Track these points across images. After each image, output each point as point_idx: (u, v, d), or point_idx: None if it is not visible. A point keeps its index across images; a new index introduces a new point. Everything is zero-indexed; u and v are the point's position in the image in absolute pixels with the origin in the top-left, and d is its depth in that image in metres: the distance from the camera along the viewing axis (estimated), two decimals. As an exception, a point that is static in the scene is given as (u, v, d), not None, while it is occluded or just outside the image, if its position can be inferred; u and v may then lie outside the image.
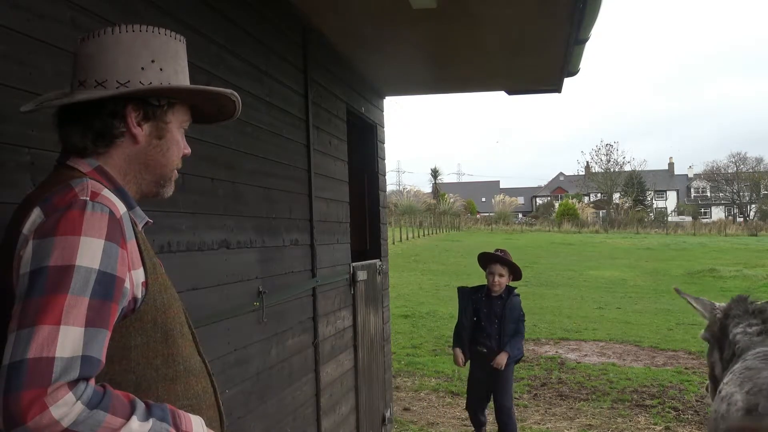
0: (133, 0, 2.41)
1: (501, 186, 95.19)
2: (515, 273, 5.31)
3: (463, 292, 5.52)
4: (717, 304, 3.62)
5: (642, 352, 10.31)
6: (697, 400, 7.11)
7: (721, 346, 3.45)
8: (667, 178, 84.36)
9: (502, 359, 5.15)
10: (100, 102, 1.44)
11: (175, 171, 1.58)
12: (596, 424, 6.44)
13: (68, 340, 1.19)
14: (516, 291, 5.35)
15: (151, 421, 1.27)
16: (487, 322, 5.26)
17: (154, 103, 1.49)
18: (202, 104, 1.62)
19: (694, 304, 3.68)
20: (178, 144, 1.55)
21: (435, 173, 79.03)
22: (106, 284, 1.27)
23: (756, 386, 2.87)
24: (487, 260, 5.36)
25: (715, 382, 3.32)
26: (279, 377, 3.62)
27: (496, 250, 5.38)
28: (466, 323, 5.36)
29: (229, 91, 1.58)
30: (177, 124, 1.55)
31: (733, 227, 52.84)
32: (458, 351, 5.39)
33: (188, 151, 1.60)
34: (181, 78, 1.53)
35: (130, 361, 1.37)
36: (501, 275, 5.24)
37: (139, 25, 1.49)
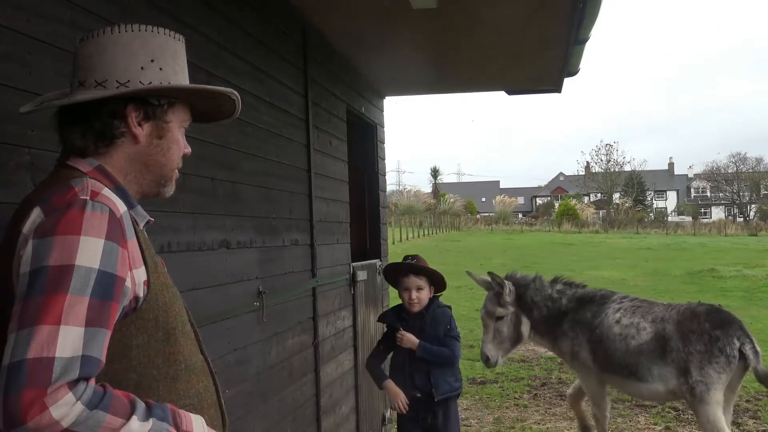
0: (133, 0, 2.41)
1: (501, 186, 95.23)
2: (437, 283, 4.01)
3: (384, 317, 4.24)
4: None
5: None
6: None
7: (528, 310, 4.99)
8: (667, 178, 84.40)
9: (410, 338, 3.90)
10: (100, 102, 1.44)
11: (176, 171, 1.58)
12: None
13: (68, 340, 1.19)
14: (441, 302, 4.08)
15: (151, 420, 1.27)
16: (410, 352, 3.90)
17: (154, 102, 1.49)
18: (202, 103, 1.61)
19: (480, 283, 5.15)
20: (178, 143, 1.55)
21: (435, 173, 79.09)
22: (106, 284, 1.27)
23: (657, 317, 4.68)
24: (396, 273, 4.04)
25: (519, 337, 5.04)
26: (279, 377, 3.62)
27: (407, 258, 4.06)
28: (379, 354, 4.11)
29: (228, 90, 1.58)
30: (177, 124, 1.55)
31: (733, 227, 52.89)
32: (393, 385, 3.94)
33: (188, 150, 1.60)
34: (181, 77, 1.53)
35: (131, 360, 1.37)
36: (419, 288, 3.91)
37: (138, 24, 1.49)
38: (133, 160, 1.49)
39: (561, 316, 4.94)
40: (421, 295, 3.93)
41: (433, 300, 4.00)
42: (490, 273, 5.04)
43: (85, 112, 1.45)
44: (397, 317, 4.01)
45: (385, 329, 4.12)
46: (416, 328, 3.92)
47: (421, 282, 3.93)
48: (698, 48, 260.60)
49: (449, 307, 4.09)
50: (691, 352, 4.50)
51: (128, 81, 1.44)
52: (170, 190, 1.59)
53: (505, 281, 4.95)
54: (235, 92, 1.59)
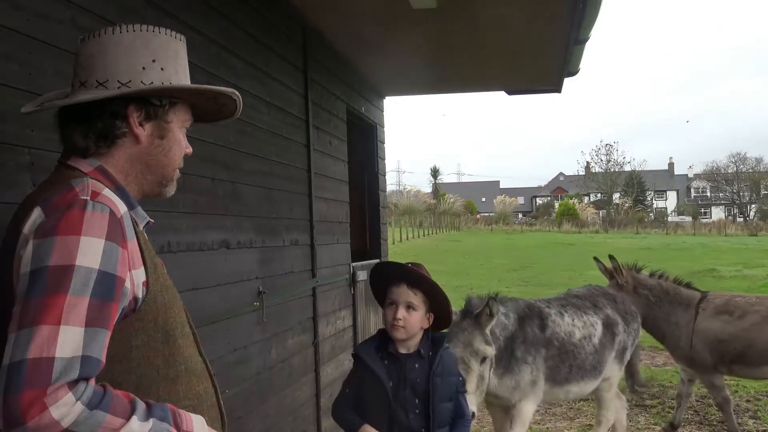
0: (134, 0, 2.41)
1: (501, 186, 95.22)
2: (439, 309, 2.69)
3: (360, 351, 2.73)
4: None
5: (642, 352, 10.31)
6: (697, 400, 7.10)
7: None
8: (667, 178, 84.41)
9: None
10: (101, 102, 1.44)
11: (177, 171, 1.58)
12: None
13: (68, 340, 1.19)
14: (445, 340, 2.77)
15: (151, 421, 1.27)
16: (400, 403, 2.60)
17: (155, 102, 1.48)
18: (203, 103, 1.61)
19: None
20: (179, 143, 1.55)
21: (435, 173, 79.11)
22: (107, 284, 1.27)
23: (591, 306, 4.61)
24: (387, 279, 2.72)
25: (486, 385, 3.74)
26: (279, 377, 3.62)
27: (412, 267, 2.71)
28: (348, 400, 2.70)
29: (230, 90, 1.57)
30: (178, 124, 1.54)
31: (733, 227, 52.87)
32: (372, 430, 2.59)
33: (190, 150, 1.60)
34: (182, 77, 1.53)
35: (131, 360, 1.37)
36: (411, 307, 2.62)
37: (140, 25, 1.49)
38: (134, 161, 1.49)
39: (512, 341, 4.08)
40: (411, 317, 2.60)
41: (435, 337, 2.72)
42: (487, 297, 3.65)
43: (86, 113, 1.45)
44: (378, 354, 2.67)
45: (356, 367, 2.75)
46: (410, 376, 2.61)
47: (416, 299, 2.62)
48: (698, 48, 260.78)
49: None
50: (629, 332, 4.72)
51: (129, 81, 1.44)
52: (171, 190, 1.59)
53: (497, 303, 3.61)
54: (236, 92, 1.59)
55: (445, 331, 2.85)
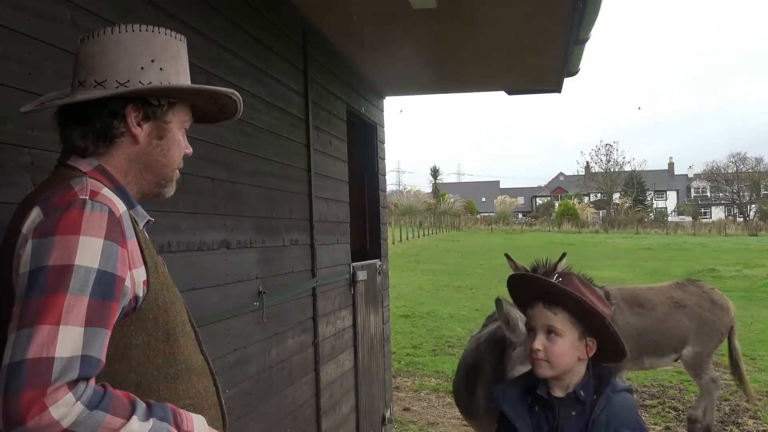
0: (134, 0, 2.41)
1: (501, 186, 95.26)
2: (598, 334, 2.05)
3: (501, 396, 2.19)
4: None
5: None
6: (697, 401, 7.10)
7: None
8: (667, 178, 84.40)
9: None
10: (100, 102, 1.44)
11: (177, 171, 1.57)
12: (596, 424, 6.43)
13: (68, 340, 1.19)
14: (617, 380, 2.13)
15: (151, 420, 1.27)
16: None
17: (153, 102, 1.48)
18: (204, 104, 1.61)
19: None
20: (179, 144, 1.54)
21: (435, 173, 79.08)
22: (106, 283, 1.27)
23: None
24: (523, 291, 2.18)
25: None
26: (279, 377, 3.62)
27: (558, 279, 2.09)
28: None
29: (229, 90, 1.57)
30: (178, 124, 1.54)
31: (733, 227, 52.85)
32: None
33: (190, 151, 1.59)
34: (182, 78, 1.52)
35: (131, 360, 1.37)
36: (552, 331, 2.03)
37: (139, 25, 1.49)
38: (133, 161, 1.49)
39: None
40: (554, 347, 2.01)
41: (600, 373, 2.08)
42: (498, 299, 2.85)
43: (85, 113, 1.45)
44: (524, 401, 2.11)
45: (501, 418, 2.17)
46: (566, 430, 2.02)
47: (558, 321, 2.02)
48: (698, 48, 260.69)
49: (630, 391, 2.12)
50: None
51: (128, 81, 1.44)
52: (171, 191, 1.58)
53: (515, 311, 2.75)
54: (236, 93, 1.58)
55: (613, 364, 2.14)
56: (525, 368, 2.40)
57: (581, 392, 2.01)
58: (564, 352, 2.00)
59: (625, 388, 2.10)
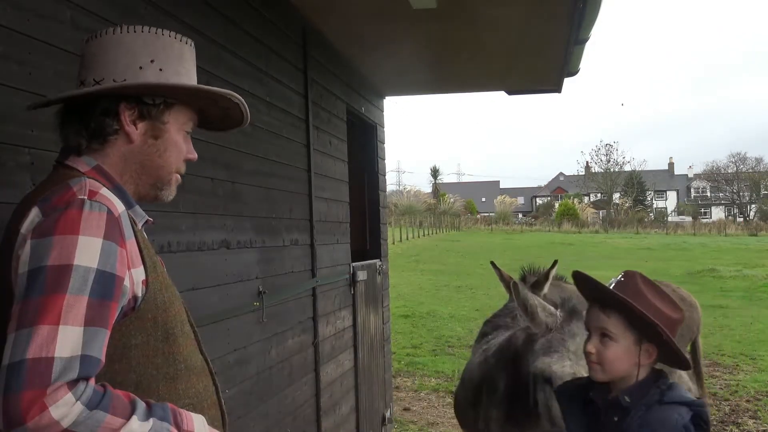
0: (134, 0, 2.41)
1: (501, 186, 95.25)
2: (656, 341, 1.94)
3: (562, 393, 2.21)
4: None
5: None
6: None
7: None
8: (667, 178, 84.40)
9: None
10: (95, 100, 1.43)
11: (177, 175, 1.55)
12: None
13: (67, 339, 1.19)
14: (678, 388, 1.97)
15: (151, 420, 1.27)
16: None
17: (148, 101, 1.46)
18: (206, 107, 1.58)
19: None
20: (177, 146, 1.52)
21: (435, 173, 79.09)
22: (105, 283, 1.27)
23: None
24: (582, 290, 2.13)
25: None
26: (279, 377, 3.62)
27: (619, 279, 2.01)
28: None
29: (226, 91, 1.54)
30: (176, 126, 1.51)
31: (733, 227, 52.86)
32: None
33: (194, 156, 1.56)
34: (185, 80, 1.50)
35: (131, 360, 1.37)
36: (606, 335, 1.96)
37: (142, 26, 1.48)
38: (128, 160, 1.48)
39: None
40: (607, 351, 1.94)
41: (658, 378, 1.97)
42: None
43: (81, 111, 1.44)
44: (580, 399, 2.10)
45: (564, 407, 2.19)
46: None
47: (611, 325, 1.95)
48: (698, 48, 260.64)
49: (691, 405, 1.90)
50: None
51: (124, 80, 1.43)
52: (169, 194, 1.55)
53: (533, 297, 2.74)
54: (236, 94, 1.55)
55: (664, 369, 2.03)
56: (548, 359, 2.47)
57: (625, 397, 1.94)
58: (617, 357, 1.93)
59: (682, 401, 1.90)
